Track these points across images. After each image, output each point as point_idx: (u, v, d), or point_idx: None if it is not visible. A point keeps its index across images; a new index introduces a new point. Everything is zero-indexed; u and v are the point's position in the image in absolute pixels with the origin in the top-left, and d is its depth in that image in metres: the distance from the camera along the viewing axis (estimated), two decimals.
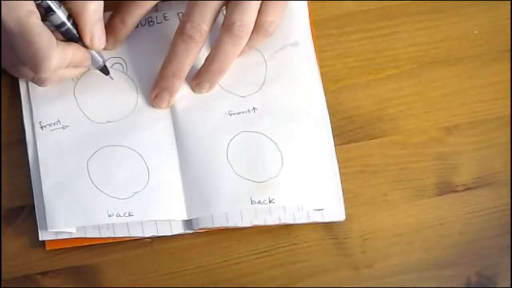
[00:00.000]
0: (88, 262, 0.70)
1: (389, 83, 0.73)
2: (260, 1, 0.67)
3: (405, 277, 0.71)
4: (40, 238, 0.69)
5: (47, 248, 0.69)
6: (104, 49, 0.71)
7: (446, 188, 0.72)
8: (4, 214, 0.70)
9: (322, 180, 0.70)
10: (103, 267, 0.70)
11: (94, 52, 0.68)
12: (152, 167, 0.70)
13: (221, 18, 0.68)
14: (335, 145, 0.71)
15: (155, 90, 0.70)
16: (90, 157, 0.70)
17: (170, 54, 0.68)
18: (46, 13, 0.65)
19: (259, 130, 0.70)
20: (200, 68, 0.70)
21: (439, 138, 0.72)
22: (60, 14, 0.65)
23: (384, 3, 0.74)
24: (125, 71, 0.72)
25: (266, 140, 0.70)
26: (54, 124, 0.70)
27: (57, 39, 0.65)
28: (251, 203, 0.69)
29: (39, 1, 0.64)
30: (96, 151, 0.70)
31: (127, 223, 0.69)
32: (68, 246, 0.69)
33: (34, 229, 0.69)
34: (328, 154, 0.71)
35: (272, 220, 0.69)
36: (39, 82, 0.68)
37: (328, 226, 0.71)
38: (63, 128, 0.70)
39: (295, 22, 0.72)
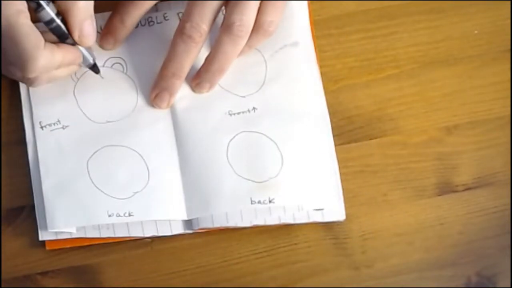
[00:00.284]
0: (88, 262, 0.70)
1: (389, 83, 0.73)
2: (259, 1, 0.67)
3: (405, 277, 0.71)
4: (40, 238, 0.69)
5: (47, 248, 0.70)
6: (104, 49, 0.71)
7: (446, 188, 0.72)
8: (4, 214, 0.70)
9: (322, 180, 0.70)
10: (103, 267, 0.70)
11: (84, 51, 0.68)
12: (152, 167, 0.70)
13: (221, 18, 0.68)
14: (335, 145, 0.71)
15: (155, 90, 0.70)
16: (90, 157, 0.70)
17: (170, 54, 0.68)
18: (36, 10, 0.65)
19: (259, 130, 0.70)
20: (200, 68, 0.70)
21: (439, 138, 0.72)
22: (49, 11, 0.65)
23: (384, 3, 0.74)
24: (125, 71, 0.72)
25: (266, 140, 0.70)
26: (54, 124, 0.70)
27: (50, 39, 0.65)
28: (251, 203, 0.69)
29: None
30: (96, 151, 0.70)
31: (127, 223, 0.69)
32: (68, 246, 0.69)
33: (34, 229, 0.69)
34: (328, 154, 0.71)
35: (272, 220, 0.69)
36: (28, 82, 0.68)
37: (328, 226, 0.71)
38: (63, 128, 0.70)
39: (295, 22, 0.72)
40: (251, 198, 0.69)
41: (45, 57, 0.64)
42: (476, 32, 0.74)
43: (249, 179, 0.69)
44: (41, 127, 0.70)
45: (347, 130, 0.72)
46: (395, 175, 0.72)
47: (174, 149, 0.70)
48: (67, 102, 0.71)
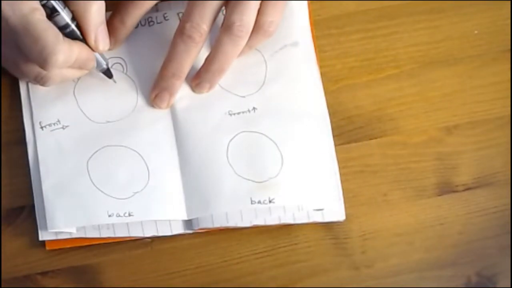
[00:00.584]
0: (88, 262, 0.70)
1: (389, 83, 0.73)
2: (259, 1, 0.67)
3: (405, 277, 0.71)
4: (40, 238, 0.69)
5: (47, 248, 0.69)
6: None
7: (446, 188, 0.72)
8: (4, 214, 0.70)
9: (322, 180, 0.70)
10: (103, 267, 0.70)
11: (97, 55, 0.68)
12: (152, 167, 0.70)
13: (221, 18, 0.68)
14: (335, 145, 0.71)
15: (155, 90, 0.70)
16: (90, 157, 0.70)
17: (170, 54, 0.68)
18: (50, 14, 0.65)
19: (259, 130, 0.70)
20: (200, 68, 0.70)
21: (439, 138, 0.72)
22: (64, 15, 0.66)
23: (384, 3, 0.74)
24: (125, 71, 0.72)
25: (266, 140, 0.70)
26: (54, 124, 0.70)
27: None
28: (251, 203, 0.69)
29: (44, 1, 0.64)
30: (96, 151, 0.70)
31: (127, 223, 0.69)
32: (68, 246, 0.69)
33: (34, 229, 0.69)
34: (328, 154, 0.71)
35: (272, 220, 0.69)
36: (42, 81, 0.68)
37: (328, 226, 0.71)
38: (63, 128, 0.70)
39: (295, 22, 0.72)
40: (251, 198, 0.69)
41: (65, 51, 0.64)
42: (476, 32, 0.74)
43: (249, 179, 0.69)
44: (41, 127, 0.70)
45: (347, 130, 0.72)
46: (395, 175, 0.72)
47: (174, 149, 0.70)
48: (67, 102, 0.71)
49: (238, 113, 0.71)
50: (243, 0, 0.66)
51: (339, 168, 0.71)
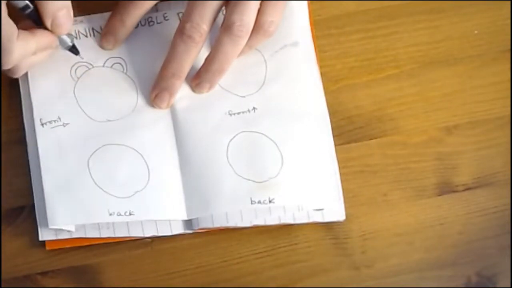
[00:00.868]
0: (88, 262, 0.70)
1: (389, 83, 0.73)
2: (259, 1, 0.67)
3: (405, 277, 0.71)
4: (40, 238, 0.69)
5: (47, 248, 0.69)
6: (104, 49, 0.71)
7: (446, 188, 0.72)
8: (4, 214, 0.70)
9: (322, 180, 0.70)
10: (103, 267, 0.70)
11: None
12: (152, 166, 0.70)
13: (221, 18, 0.68)
14: (335, 145, 0.71)
15: (155, 90, 0.70)
16: (91, 155, 0.70)
17: (170, 54, 0.68)
18: None
19: (259, 130, 0.70)
20: (200, 68, 0.70)
21: (439, 138, 0.72)
22: None
23: (384, 3, 0.74)
24: (125, 71, 0.72)
25: (266, 140, 0.70)
26: (54, 121, 0.70)
27: (26, 26, 0.65)
28: (251, 203, 0.69)
29: None
30: (97, 149, 0.70)
31: (127, 223, 0.69)
32: (68, 246, 0.69)
33: (34, 229, 0.69)
34: (328, 154, 0.71)
35: (272, 220, 0.69)
36: (10, 73, 0.68)
37: (328, 226, 0.71)
38: (63, 125, 0.70)
39: (295, 22, 0.72)
40: (251, 198, 0.69)
41: (20, 48, 0.64)
42: (476, 32, 0.74)
43: (249, 179, 0.69)
44: (42, 124, 0.70)
45: (347, 130, 0.72)
46: (395, 175, 0.72)
47: (174, 149, 0.70)
48: (67, 101, 0.71)
49: (238, 113, 0.71)
50: (243, 0, 0.66)
51: (339, 168, 0.71)
